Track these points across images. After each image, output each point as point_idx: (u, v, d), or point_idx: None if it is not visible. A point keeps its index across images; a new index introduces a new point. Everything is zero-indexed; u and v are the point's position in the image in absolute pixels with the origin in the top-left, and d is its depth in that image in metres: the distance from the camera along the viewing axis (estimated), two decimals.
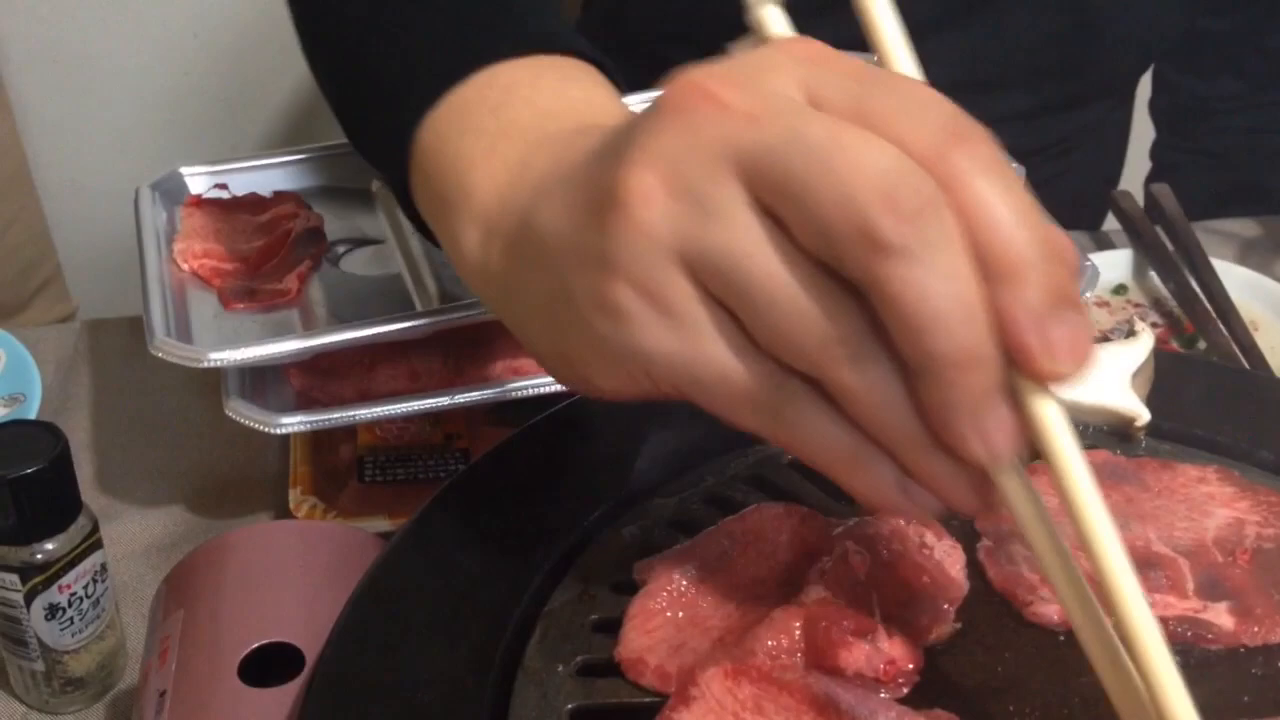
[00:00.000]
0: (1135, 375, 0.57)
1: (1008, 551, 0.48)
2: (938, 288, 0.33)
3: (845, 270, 0.34)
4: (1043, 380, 0.34)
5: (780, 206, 0.35)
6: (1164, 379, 0.58)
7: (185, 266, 0.73)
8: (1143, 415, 0.55)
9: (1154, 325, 0.89)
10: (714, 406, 0.39)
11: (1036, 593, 0.46)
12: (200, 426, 0.77)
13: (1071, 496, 0.35)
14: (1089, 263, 0.75)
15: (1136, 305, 0.92)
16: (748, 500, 0.51)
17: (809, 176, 0.34)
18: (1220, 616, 0.44)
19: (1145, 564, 0.45)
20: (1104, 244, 1.00)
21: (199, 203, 0.78)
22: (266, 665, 0.49)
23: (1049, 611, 0.46)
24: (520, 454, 0.54)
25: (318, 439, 0.73)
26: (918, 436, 0.35)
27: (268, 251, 0.74)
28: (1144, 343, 0.58)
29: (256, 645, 0.48)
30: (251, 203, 0.78)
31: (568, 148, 0.42)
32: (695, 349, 0.37)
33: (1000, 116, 0.87)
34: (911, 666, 0.43)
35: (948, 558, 0.47)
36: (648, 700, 0.43)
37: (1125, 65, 1.11)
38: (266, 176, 0.81)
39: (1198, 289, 0.90)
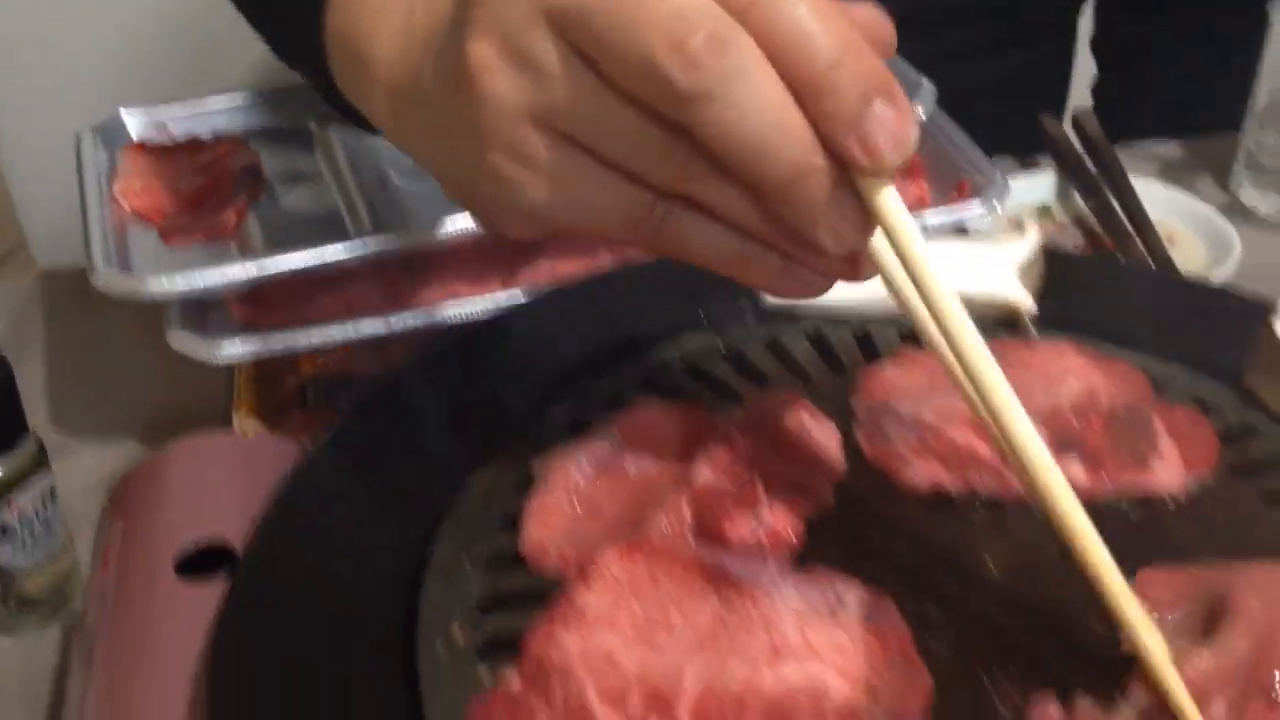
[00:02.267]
0: (1023, 270, 0.60)
1: (881, 429, 0.51)
2: (746, 121, 0.36)
3: (664, 114, 0.37)
4: (874, 175, 0.37)
5: (594, 59, 0.37)
6: (1061, 277, 0.61)
7: (126, 205, 0.75)
8: (1027, 304, 0.58)
9: (1075, 243, 0.92)
10: (605, 235, 0.42)
11: (906, 462, 0.49)
12: (150, 366, 0.79)
13: (911, 264, 0.39)
14: (998, 179, 0.78)
15: (1059, 224, 0.95)
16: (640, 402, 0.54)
17: (608, 29, 0.36)
18: (1075, 472, 0.48)
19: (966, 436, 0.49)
20: (1032, 169, 1.02)
21: (140, 146, 0.80)
22: (205, 567, 0.51)
23: (918, 477, 0.49)
24: (431, 369, 0.57)
25: (262, 371, 0.76)
26: (785, 233, 0.39)
27: (207, 190, 0.76)
28: (1030, 240, 0.61)
29: (192, 545, 0.51)
30: (191, 145, 0.80)
31: (435, 5, 0.45)
32: (572, 194, 0.40)
33: (944, 56, 0.90)
34: (792, 534, 0.47)
35: (825, 437, 0.50)
36: (549, 585, 0.46)
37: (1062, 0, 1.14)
38: (206, 119, 0.84)
39: (1117, 207, 0.93)
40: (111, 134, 0.81)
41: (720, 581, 0.44)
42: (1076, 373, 0.54)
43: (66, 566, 0.64)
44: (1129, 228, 0.91)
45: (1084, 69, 1.31)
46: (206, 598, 0.49)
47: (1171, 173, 1.05)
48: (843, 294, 0.60)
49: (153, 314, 0.69)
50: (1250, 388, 0.55)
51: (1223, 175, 1.03)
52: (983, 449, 0.49)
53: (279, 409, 0.74)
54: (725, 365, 0.58)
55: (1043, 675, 0.42)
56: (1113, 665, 0.41)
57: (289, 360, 0.76)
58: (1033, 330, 0.59)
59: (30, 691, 0.59)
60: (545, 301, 0.62)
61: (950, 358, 0.41)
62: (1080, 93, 1.31)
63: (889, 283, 0.44)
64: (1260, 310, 0.55)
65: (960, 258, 0.61)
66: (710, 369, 0.58)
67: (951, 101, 1.16)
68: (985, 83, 1.20)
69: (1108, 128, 1.18)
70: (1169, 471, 0.49)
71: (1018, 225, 0.62)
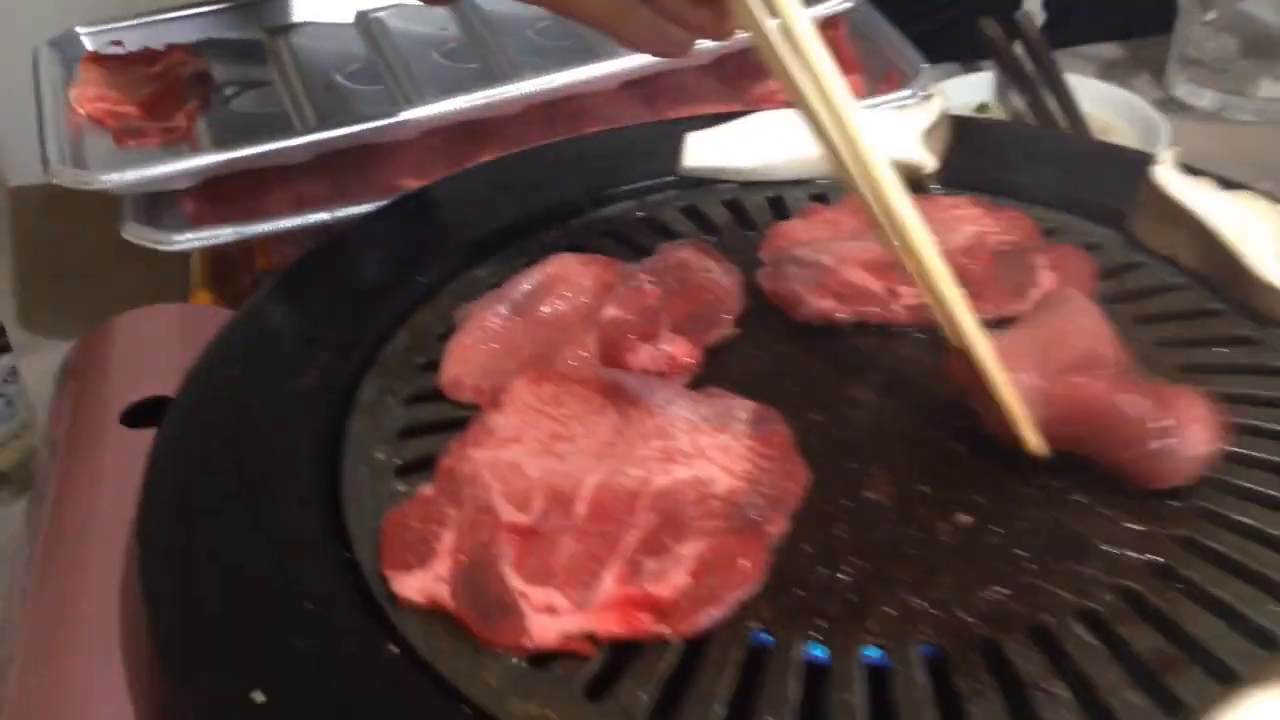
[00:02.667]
0: (928, 134, 0.63)
1: (782, 271, 0.54)
2: None
3: None
4: None
5: None
6: (970, 140, 0.64)
7: (81, 111, 0.78)
8: (929, 164, 0.61)
9: None
10: None
11: (802, 298, 0.52)
12: (111, 268, 0.83)
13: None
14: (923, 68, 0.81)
15: None
16: None
17: None
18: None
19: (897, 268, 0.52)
20: (974, 72, 1.05)
21: (95, 58, 0.83)
22: (149, 421, 0.55)
23: (812, 311, 0.52)
24: (364, 234, 0.61)
25: (217, 268, 0.79)
26: None
27: (159, 96, 0.79)
28: (934, 105, 0.64)
29: (138, 398, 0.54)
30: (145, 55, 0.83)
31: None
32: None
33: None
34: (691, 361, 0.50)
35: (727, 278, 0.54)
36: (466, 414, 0.49)
37: None
38: (160, 31, 0.86)
39: (1051, 103, 0.95)
40: (68, 48, 0.84)
41: (620, 399, 0.47)
42: (970, 220, 0.57)
43: (30, 444, 0.67)
44: (1061, 120, 0.94)
45: None
46: (149, 444, 0.52)
47: (1112, 73, 1.07)
48: (757, 159, 0.64)
49: (112, 221, 0.72)
50: (1133, 231, 0.58)
51: (1160, 74, 1.05)
52: (873, 285, 0.53)
53: (234, 304, 0.78)
54: (643, 228, 0.61)
55: (910, 469, 0.45)
56: (962, 463, 0.45)
57: (244, 257, 0.79)
58: (935, 188, 0.62)
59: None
60: (473, 174, 0.65)
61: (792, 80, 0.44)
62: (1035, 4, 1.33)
63: (753, 45, 0.45)
64: (1143, 161, 0.57)
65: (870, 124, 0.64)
66: (628, 231, 0.61)
67: (913, 8, 1.19)
68: None
69: (1058, 35, 1.20)
70: None
71: (926, 97, 0.65)
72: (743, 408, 0.47)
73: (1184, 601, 0.40)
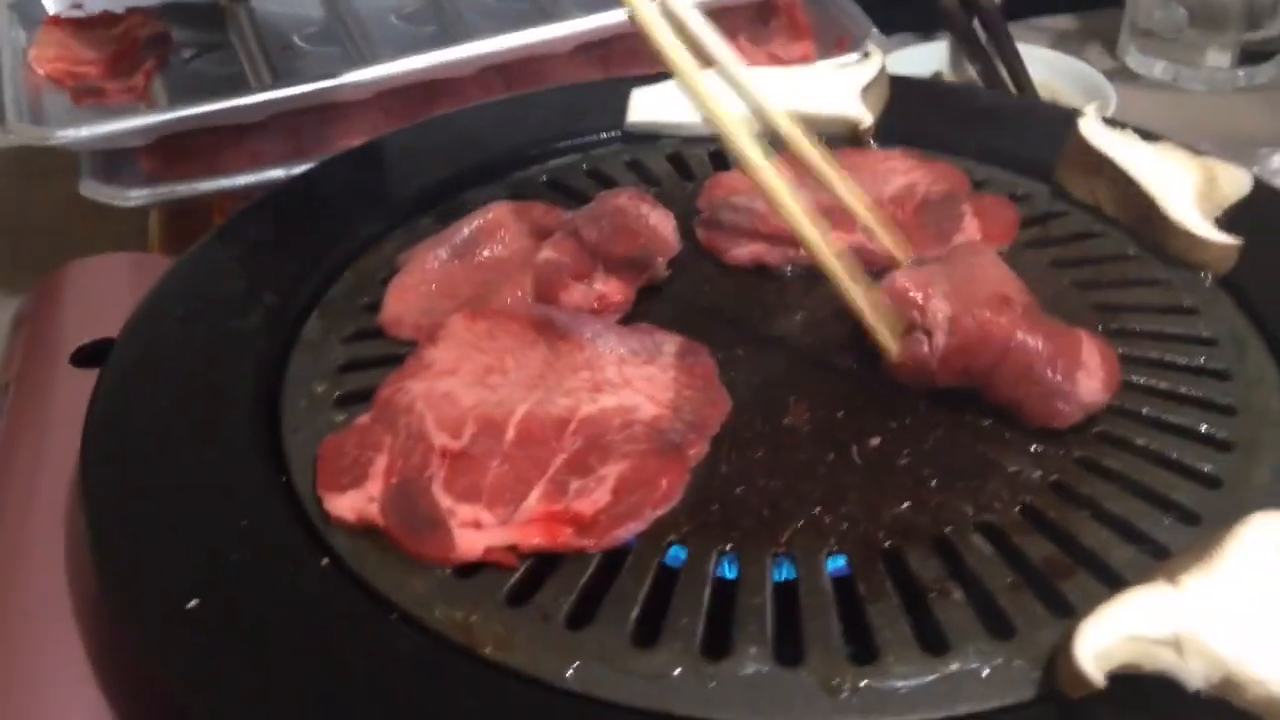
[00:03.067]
0: (866, 90, 0.64)
1: (716, 218, 0.56)
2: None
3: None
4: None
5: None
6: (907, 98, 0.66)
7: (40, 71, 0.79)
8: (865, 120, 0.63)
9: None
10: None
11: (734, 242, 0.54)
12: (69, 224, 0.83)
13: None
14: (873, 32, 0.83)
15: None
16: None
17: None
18: (881, 245, 0.53)
19: (824, 213, 0.53)
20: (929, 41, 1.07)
21: (56, 21, 0.84)
22: (100, 360, 0.56)
23: (743, 254, 0.54)
24: (312, 183, 0.62)
25: (175, 225, 0.80)
26: None
27: (117, 57, 0.80)
28: (873, 63, 0.65)
29: (88, 341, 0.56)
30: (105, 18, 0.84)
31: None
32: None
33: None
34: (622, 299, 0.52)
35: (661, 224, 0.55)
36: (404, 351, 0.50)
37: None
38: None
39: (1003, 71, 0.97)
40: (29, 11, 0.85)
41: (551, 334, 0.49)
42: (902, 171, 0.59)
43: None
44: (1013, 89, 0.95)
45: None
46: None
47: (1065, 43, 1.09)
48: (692, 116, 0.65)
49: (72, 179, 0.73)
50: (1059, 182, 0.60)
51: (1113, 44, 1.07)
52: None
53: None
54: (585, 179, 0.63)
55: (826, 399, 0.47)
56: (876, 393, 0.47)
57: (203, 216, 0.80)
58: (871, 143, 0.63)
59: None
60: (420, 129, 0.67)
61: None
62: None
63: None
64: (1070, 116, 0.59)
65: (808, 80, 0.65)
66: (570, 182, 0.62)
67: None
68: None
69: (1016, 6, 1.22)
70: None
71: (865, 55, 0.67)
72: (669, 341, 0.49)
73: (1079, 515, 0.42)
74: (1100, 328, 0.50)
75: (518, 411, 0.45)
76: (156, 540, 0.42)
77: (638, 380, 0.47)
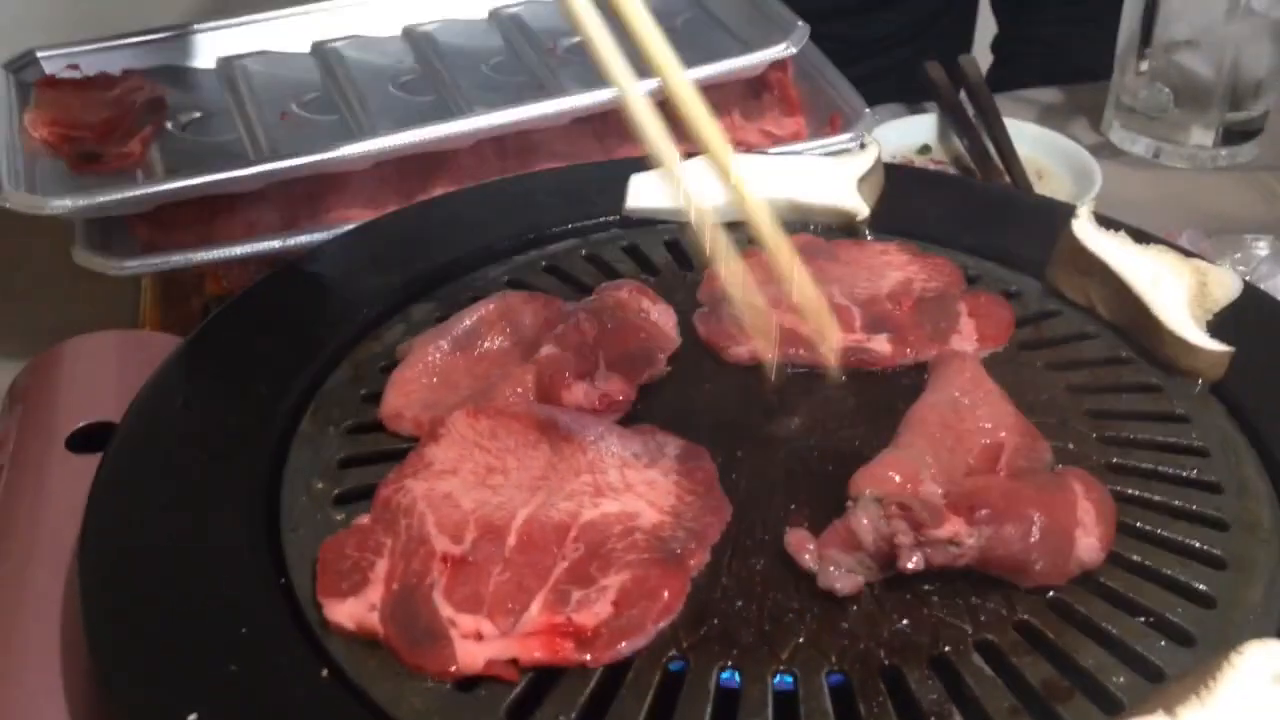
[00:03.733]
0: (862, 180, 0.65)
1: (717, 314, 0.56)
2: None
3: None
4: None
5: None
6: (902, 188, 0.67)
7: (35, 135, 0.78)
8: (862, 211, 0.64)
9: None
10: None
11: (734, 340, 0.55)
12: (60, 290, 0.83)
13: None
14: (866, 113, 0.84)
15: (938, 162, 1.00)
16: None
17: None
18: (880, 345, 0.53)
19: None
20: (918, 112, 1.08)
21: (51, 81, 0.84)
22: (95, 446, 0.56)
23: (741, 353, 0.54)
24: (303, 272, 0.62)
25: (168, 292, 0.80)
26: None
27: (113, 122, 0.80)
28: (870, 153, 0.66)
29: (83, 424, 0.56)
30: (101, 80, 0.84)
31: None
32: None
33: (861, 6, 0.96)
34: (624, 398, 0.52)
35: (663, 319, 0.56)
36: (404, 446, 0.51)
37: None
38: (117, 56, 0.87)
39: (990, 145, 0.99)
40: (23, 71, 0.85)
41: (554, 434, 0.49)
42: (898, 266, 0.60)
43: None
44: (999, 163, 0.97)
45: (986, 24, 1.38)
46: (94, 469, 0.53)
47: (1050, 117, 1.11)
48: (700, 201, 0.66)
49: (64, 243, 0.73)
50: (1051, 280, 0.60)
51: (1097, 119, 1.09)
52: (802, 329, 0.55)
53: (184, 329, 0.78)
54: (585, 265, 0.63)
55: (827, 506, 0.47)
56: None
57: (195, 283, 0.80)
58: (867, 234, 0.64)
59: None
60: (421, 210, 0.67)
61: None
62: (983, 47, 1.37)
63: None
64: (1063, 213, 0.60)
65: (805, 170, 0.66)
66: (570, 269, 0.63)
67: (866, 50, 1.22)
68: (903, 39, 1.27)
69: (1003, 79, 1.24)
70: (964, 345, 0.54)
71: (862, 145, 0.68)
72: (671, 444, 0.49)
73: (1076, 636, 0.42)
74: (1095, 435, 0.51)
75: (519, 516, 0.46)
76: (157, 649, 0.41)
77: (639, 485, 0.47)
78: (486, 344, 0.55)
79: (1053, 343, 0.57)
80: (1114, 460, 0.49)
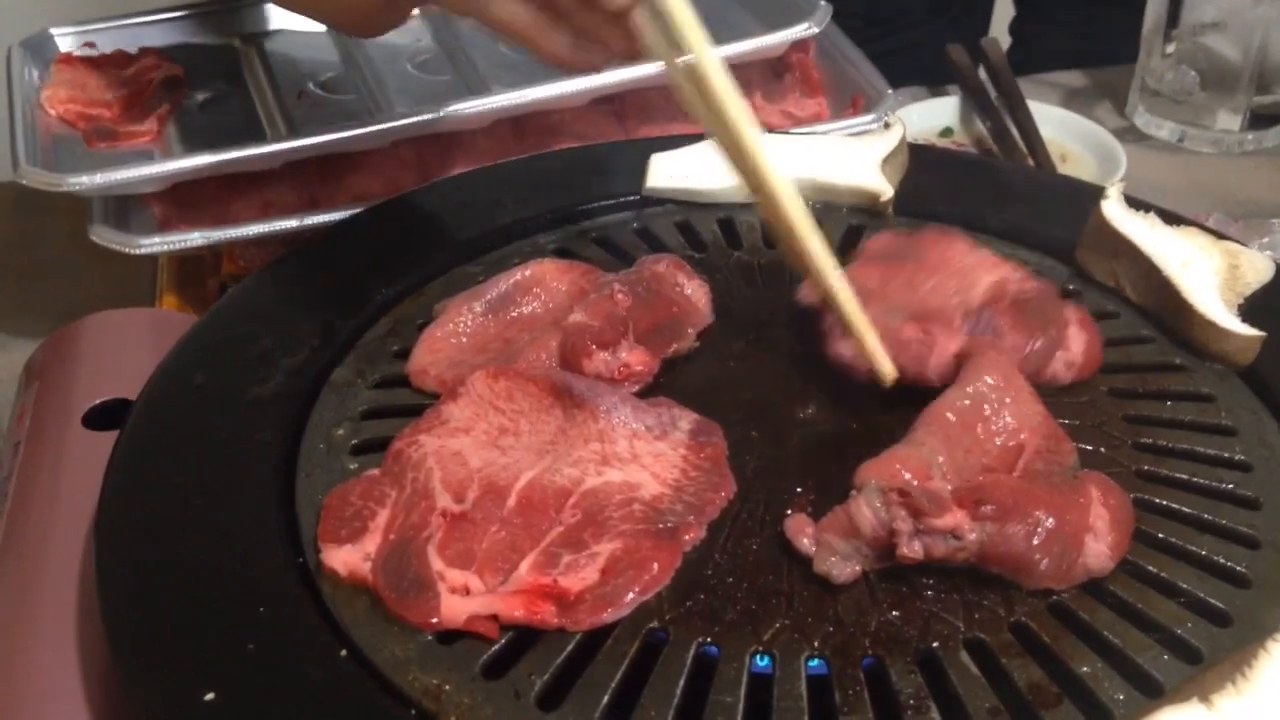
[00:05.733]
0: (886, 161, 0.64)
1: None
2: None
3: None
4: None
5: None
6: (927, 172, 0.66)
7: (52, 112, 0.78)
8: (886, 192, 0.63)
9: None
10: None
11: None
12: (78, 268, 0.83)
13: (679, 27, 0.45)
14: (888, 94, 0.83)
15: (960, 145, 0.99)
16: None
17: None
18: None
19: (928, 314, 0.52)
20: (940, 95, 1.07)
21: (68, 59, 0.83)
22: (111, 423, 0.55)
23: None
24: (319, 252, 0.62)
25: (184, 273, 0.80)
26: (571, 4, 0.47)
27: (130, 100, 0.79)
28: (894, 133, 0.65)
29: (100, 401, 0.55)
30: (117, 58, 0.84)
31: None
32: None
33: None
34: (645, 370, 0.51)
35: (697, 294, 0.55)
36: (425, 402, 0.51)
37: None
38: (134, 34, 0.87)
39: (1012, 128, 0.97)
40: (41, 49, 0.85)
41: (568, 401, 0.49)
42: (989, 268, 0.56)
43: None
44: (1023, 146, 0.96)
45: (1005, 8, 1.37)
46: (110, 447, 0.53)
47: (1074, 100, 1.09)
48: (716, 182, 0.65)
49: (82, 221, 0.73)
50: (1079, 262, 0.59)
51: (1122, 103, 1.07)
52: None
53: (200, 308, 0.78)
54: (633, 237, 0.62)
55: (833, 493, 0.46)
56: None
57: (212, 263, 0.80)
58: (890, 214, 0.63)
59: None
60: (467, 179, 0.67)
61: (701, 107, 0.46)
62: (1001, 29, 1.36)
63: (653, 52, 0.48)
64: (1088, 190, 0.59)
65: (829, 150, 0.65)
66: (618, 240, 0.62)
67: (883, 28, 1.21)
68: (921, 17, 1.26)
69: (1024, 61, 1.23)
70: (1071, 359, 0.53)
71: (886, 125, 0.67)
72: (685, 418, 0.49)
73: (1075, 642, 0.41)
74: (1129, 441, 0.50)
75: (522, 478, 0.45)
76: (174, 627, 0.41)
77: (646, 456, 0.46)
78: (520, 308, 0.55)
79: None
80: (1145, 468, 0.48)
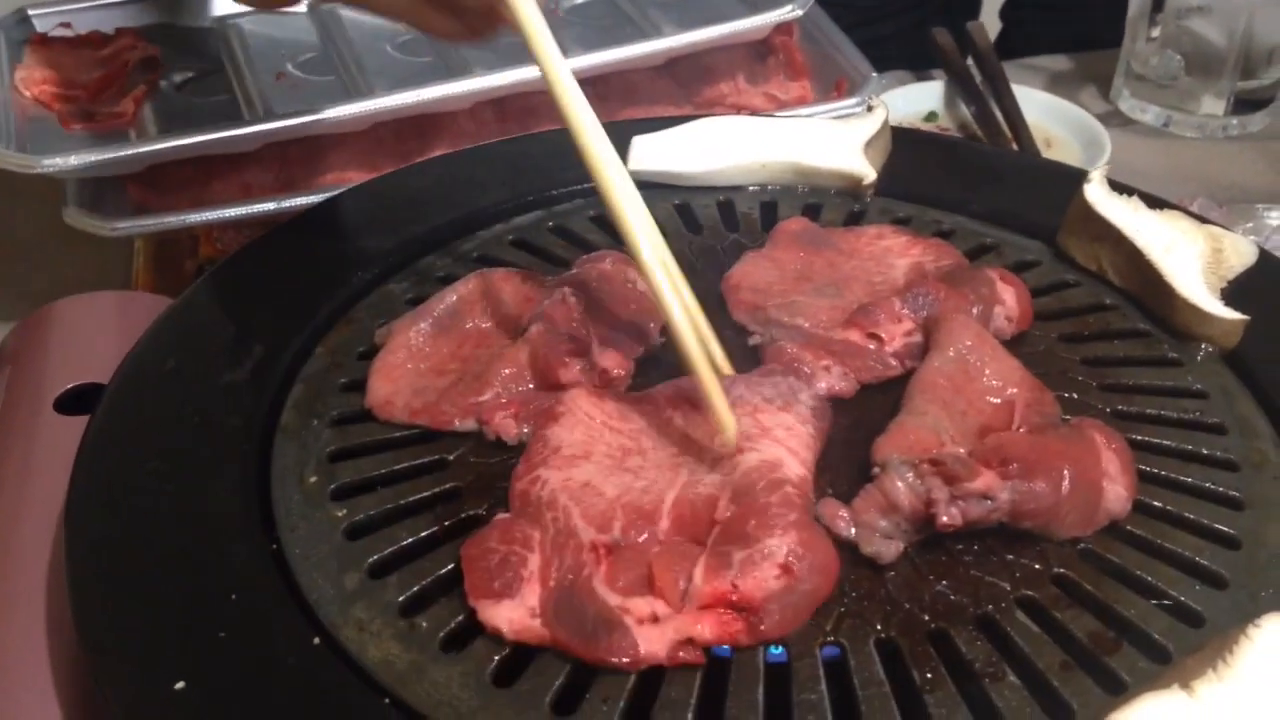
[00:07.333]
0: (869, 145, 0.64)
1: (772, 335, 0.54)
2: None
3: None
4: None
5: None
6: (909, 155, 0.65)
7: (27, 93, 0.77)
8: (869, 175, 0.62)
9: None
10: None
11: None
12: (53, 251, 0.82)
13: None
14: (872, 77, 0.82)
15: (944, 130, 0.99)
16: None
17: None
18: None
19: (869, 309, 0.53)
20: (924, 79, 1.06)
21: (43, 40, 0.82)
22: (83, 407, 0.55)
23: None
24: (296, 235, 0.60)
25: (161, 255, 0.79)
26: None
27: (106, 80, 0.78)
28: (877, 116, 0.65)
29: (72, 386, 0.54)
30: (93, 38, 0.83)
31: None
32: None
33: None
34: (623, 372, 0.50)
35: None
36: (398, 435, 0.49)
37: None
38: (110, 15, 0.86)
39: (997, 112, 0.97)
40: (15, 29, 0.83)
41: (686, 405, 0.47)
42: (899, 251, 0.58)
43: None
44: (1007, 131, 0.95)
45: None
46: (81, 431, 0.52)
47: (1059, 85, 1.09)
48: (701, 165, 0.64)
49: (57, 204, 0.72)
50: (1061, 245, 0.59)
51: (1107, 88, 1.07)
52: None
53: (176, 291, 0.77)
54: (552, 238, 0.61)
55: (849, 473, 0.46)
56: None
57: (189, 246, 0.79)
58: (869, 197, 0.63)
59: None
60: (383, 182, 0.65)
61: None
62: (991, 14, 1.35)
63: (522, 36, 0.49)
64: (1070, 174, 0.59)
65: (812, 134, 0.65)
66: (539, 242, 0.61)
67: (869, 14, 1.21)
68: (911, 1, 1.25)
69: (1011, 46, 1.22)
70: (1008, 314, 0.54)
71: (869, 108, 0.66)
72: (802, 389, 0.48)
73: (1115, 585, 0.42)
74: (1107, 409, 0.50)
75: (667, 499, 0.43)
76: (144, 614, 0.40)
77: (777, 430, 0.45)
78: (468, 323, 0.53)
79: (1067, 313, 0.56)
80: (1119, 408, 0.49)
